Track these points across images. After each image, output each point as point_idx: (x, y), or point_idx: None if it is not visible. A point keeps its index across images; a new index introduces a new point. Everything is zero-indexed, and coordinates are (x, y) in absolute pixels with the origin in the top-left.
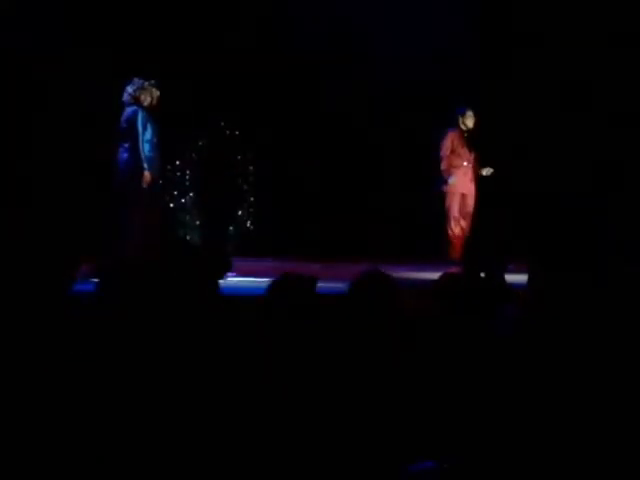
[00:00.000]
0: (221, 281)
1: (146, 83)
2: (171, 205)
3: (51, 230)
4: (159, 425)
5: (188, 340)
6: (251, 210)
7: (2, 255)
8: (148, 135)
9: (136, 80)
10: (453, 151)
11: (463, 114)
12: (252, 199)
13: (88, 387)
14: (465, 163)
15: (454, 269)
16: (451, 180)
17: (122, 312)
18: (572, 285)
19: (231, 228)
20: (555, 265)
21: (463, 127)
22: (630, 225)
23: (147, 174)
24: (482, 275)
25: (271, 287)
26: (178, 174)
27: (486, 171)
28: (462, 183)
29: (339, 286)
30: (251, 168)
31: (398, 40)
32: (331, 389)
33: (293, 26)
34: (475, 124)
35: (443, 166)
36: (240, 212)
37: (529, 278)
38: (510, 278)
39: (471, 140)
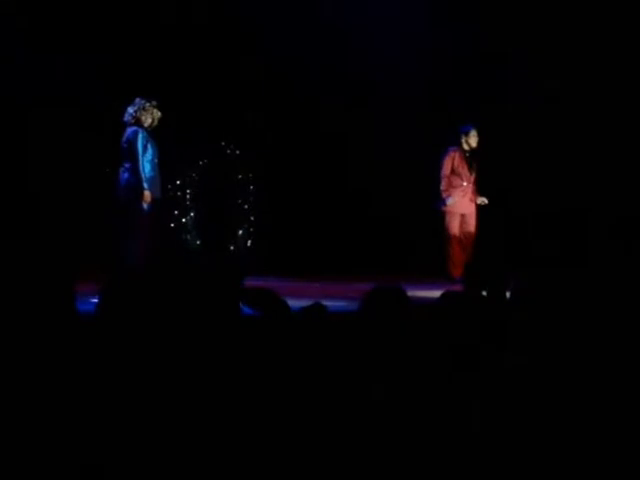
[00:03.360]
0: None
1: (147, 104)
2: (172, 225)
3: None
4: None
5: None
6: (251, 230)
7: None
8: (149, 155)
9: (137, 100)
10: (453, 171)
11: (467, 133)
12: (252, 218)
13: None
14: (465, 183)
15: (455, 287)
16: (449, 201)
17: (125, 331)
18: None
19: (232, 247)
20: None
21: (466, 146)
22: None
23: (147, 193)
24: (484, 293)
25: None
26: (179, 194)
27: (480, 201)
28: (461, 203)
29: (342, 304)
30: (251, 188)
31: (399, 57)
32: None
33: (294, 47)
34: (477, 143)
35: (443, 186)
36: (240, 232)
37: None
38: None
39: (472, 159)
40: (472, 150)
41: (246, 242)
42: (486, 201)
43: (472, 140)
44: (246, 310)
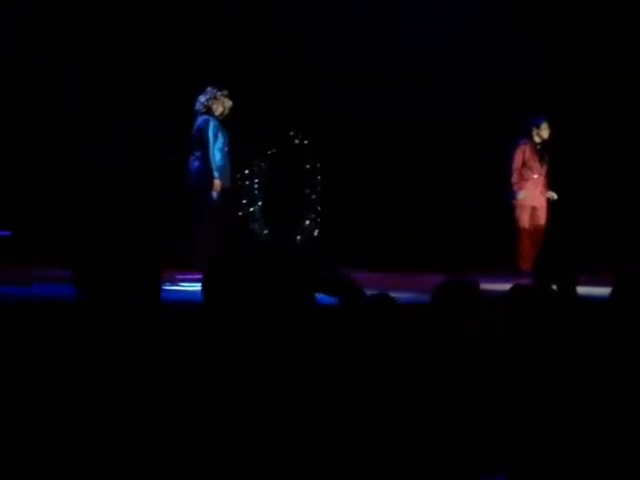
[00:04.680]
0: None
1: (218, 93)
2: (239, 214)
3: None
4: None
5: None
6: (318, 219)
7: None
8: (219, 144)
9: (209, 90)
10: (524, 164)
11: (538, 125)
12: (319, 208)
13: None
14: (536, 176)
15: (525, 281)
16: (520, 195)
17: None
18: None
19: (298, 237)
20: None
21: (537, 139)
22: None
23: (217, 182)
24: (554, 287)
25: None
26: (247, 183)
27: (550, 196)
28: (532, 196)
29: (411, 296)
30: (319, 178)
31: (467, 49)
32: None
33: (365, 39)
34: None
35: (514, 179)
36: (307, 221)
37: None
38: (581, 290)
39: (544, 152)
40: (543, 142)
41: (313, 232)
42: (555, 196)
43: (544, 132)
44: (322, 299)
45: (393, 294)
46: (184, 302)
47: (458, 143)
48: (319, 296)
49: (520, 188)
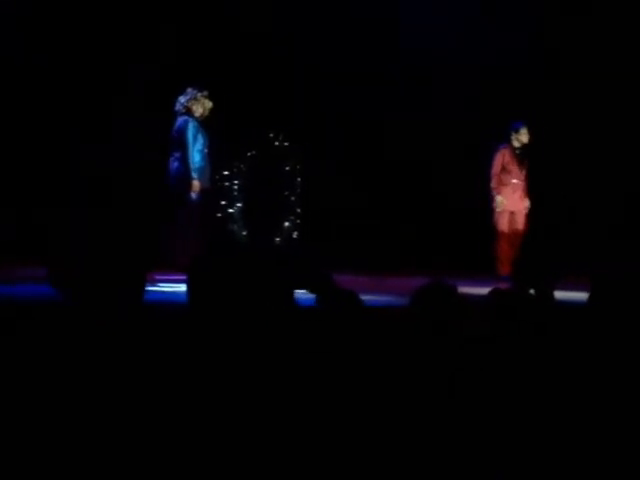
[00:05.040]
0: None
1: (199, 94)
2: (219, 215)
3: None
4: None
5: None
6: (297, 221)
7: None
8: (199, 145)
9: (189, 91)
10: (504, 168)
11: (517, 130)
12: (299, 210)
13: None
14: (515, 180)
15: (503, 285)
16: (498, 199)
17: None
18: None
19: (277, 239)
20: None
21: (516, 143)
22: None
23: (196, 183)
24: (532, 292)
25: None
26: (226, 184)
27: (525, 203)
28: (510, 201)
29: (390, 299)
30: (299, 180)
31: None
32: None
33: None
34: (528, 141)
35: (493, 184)
36: (287, 223)
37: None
38: (560, 295)
39: (523, 157)
40: (522, 147)
41: (292, 234)
42: (528, 205)
43: (523, 137)
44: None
45: (372, 297)
46: (164, 303)
47: (440, 147)
48: (300, 296)
49: (499, 193)
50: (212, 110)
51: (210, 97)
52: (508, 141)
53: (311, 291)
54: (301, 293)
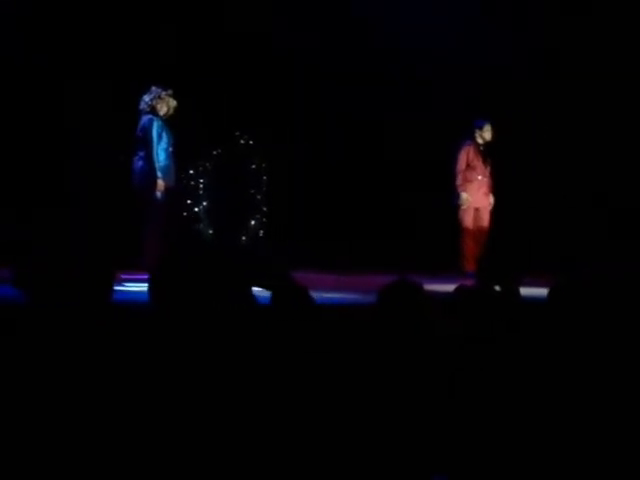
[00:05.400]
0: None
1: (163, 92)
2: (184, 214)
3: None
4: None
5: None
6: (264, 220)
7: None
8: (164, 144)
9: (153, 89)
10: (468, 165)
11: (481, 127)
12: (265, 209)
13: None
14: (480, 177)
15: (468, 282)
16: (463, 196)
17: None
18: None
19: (243, 238)
20: None
21: (480, 140)
22: None
23: (161, 182)
24: (497, 288)
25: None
26: (192, 183)
27: (490, 200)
28: (475, 198)
29: (357, 297)
30: (265, 178)
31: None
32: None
33: (308, 38)
34: (492, 137)
35: (458, 181)
36: (253, 222)
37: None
38: (525, 291)
39: (487, 153)
40: (487, 144)
41: (258, 232)
42: (492, 202)
43: (486, 134)
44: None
45: (338, 295)
46: (130, 303)
47: (405, 144)
48: (259, 294)
49: (464, 190)
50: (176, 108)
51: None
52: (472, 138)
53: (266, 289)
54: (260, 291)
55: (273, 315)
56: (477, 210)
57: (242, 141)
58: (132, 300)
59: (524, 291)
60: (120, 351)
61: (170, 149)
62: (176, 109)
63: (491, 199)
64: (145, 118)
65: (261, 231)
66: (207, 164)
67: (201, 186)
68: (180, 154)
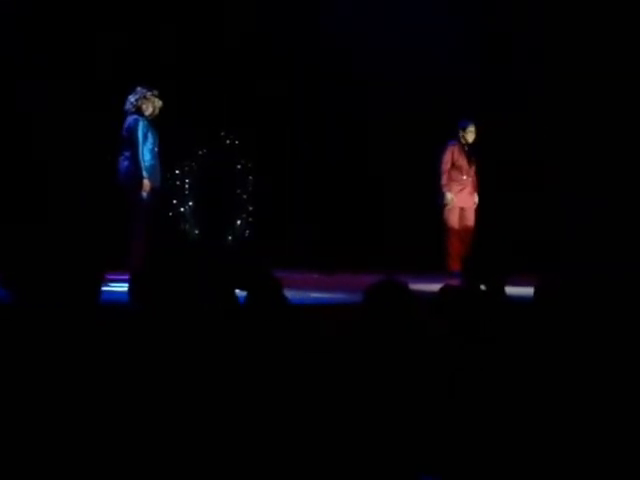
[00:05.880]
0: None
1: (148, 93)
2: (170, 214)
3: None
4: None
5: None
6: (250, 220)
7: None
8: (149, 144)
9: (139, 89)
10: (453, 164)
11: (464, 128)
12: (251, 209)
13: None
14: (464, 177)
15: (454, 281)
16: (448, 196)
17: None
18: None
19: (229, 237)
20: None
21: (464, 140)
22: None
23: (146, 182)
24: (482, 287)
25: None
26: (177, 183)
27: (475, 199)
28: (460, 197)
29: (342, 297)
30: (250, 178)
31: (398, 54)
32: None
33: (294, 39)
34: (475, 137)
35: (443, 181)
36: (239, 222)
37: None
38: (510, 291)
39: (472, 153)
40: (471, 144)
41: (244, 232)
42: (477, 201)
43: (469, 136)
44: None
45: (325, 294)
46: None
47: (390, 145)
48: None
49: (449, 190)
50: (162, 109)
51: (160, 95)
52: (457, 138)
53: (241, 289)
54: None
55: (247, 315)
56: (462, 210)
57: (227, 141)
58: (118, 300)
59: (510, 290)
60: (107, 351)
61: (156, 149)
62: (161, 109)
63: (476, 198)
64: (130, 118)
65: (247, 231)
66: (193, 164)
67: (187, 186)
68: (166, 154)
